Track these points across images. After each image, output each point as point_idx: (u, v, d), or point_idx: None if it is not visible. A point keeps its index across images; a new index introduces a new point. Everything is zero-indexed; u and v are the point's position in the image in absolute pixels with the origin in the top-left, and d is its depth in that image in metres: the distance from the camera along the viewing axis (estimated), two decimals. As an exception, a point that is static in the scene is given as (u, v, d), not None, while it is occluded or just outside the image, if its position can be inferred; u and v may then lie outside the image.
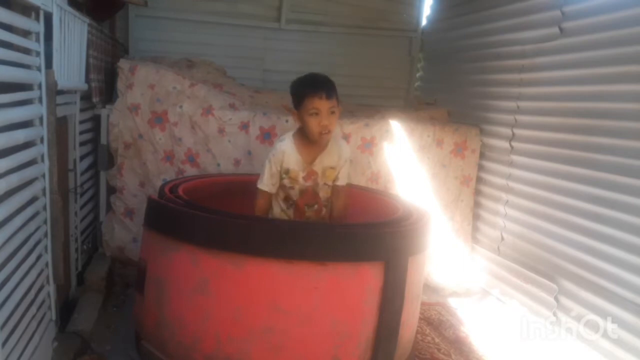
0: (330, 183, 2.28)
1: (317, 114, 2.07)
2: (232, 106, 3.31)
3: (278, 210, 2.30)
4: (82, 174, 2.84)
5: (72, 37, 2.36)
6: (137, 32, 4.39)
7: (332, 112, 2.10)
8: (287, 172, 2.22)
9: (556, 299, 2.88)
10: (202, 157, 3.24)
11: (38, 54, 1.88)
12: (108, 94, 3.34)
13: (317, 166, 2.23)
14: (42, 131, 1.93)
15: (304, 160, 2.21)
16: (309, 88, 2.09)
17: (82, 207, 2.91)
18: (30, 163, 1.83)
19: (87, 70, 2.72)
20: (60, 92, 2.20)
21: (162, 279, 2.00)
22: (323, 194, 2.29)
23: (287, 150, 2.20)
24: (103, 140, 3.22)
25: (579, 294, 2.75)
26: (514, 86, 3.35)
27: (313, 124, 2.09)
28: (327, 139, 2.16)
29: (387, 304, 1.92)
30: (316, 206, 2.28)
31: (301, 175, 2.22)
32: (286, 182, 2.24)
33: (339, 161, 2.27)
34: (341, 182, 2.31)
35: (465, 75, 4.00)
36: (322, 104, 2.06)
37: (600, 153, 2.66)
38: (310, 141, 2.18)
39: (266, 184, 2.23)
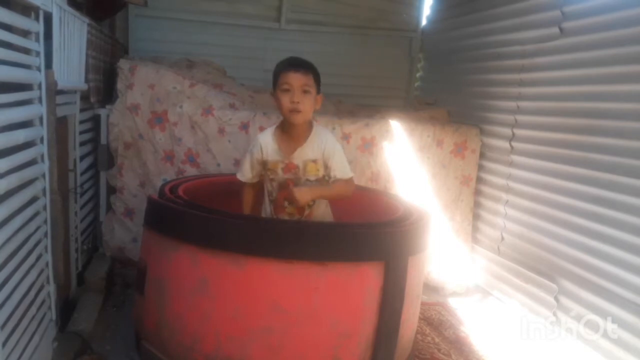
0: (312, 179, 2.17)
1: (288, 89, 2.03)
2: (232, 106, 3.31)
3: (267, 203, 2.26)
4: (82, 174, 2.84)
5: (72, 37, 2.35)
6: (137, 32, 4.40)
7: (306, 91, 2.02)
8: (266, 163, 2.18)
9: (556, 299, 2.89)
10: (202, 157, 3.24)
11: (38, 54, 1.88)
12: (108, 94, 3.34)
13: (297, 159, 2.14)
14: (42, 131, 1.92)
15: (283, 152, 2.16)
16: (283, 64, 2.08)
17: (82, 207, 2.91)
18: (30, 163, 1.83)
19: (86, 70, 2.72)
20: (60, 92, 2.20)
21: (162, 279, 2.00)
22: None
23: (265, 140, 2.17)
24: (103, 140, 3.22)
25: (579, 294, 2.75)
26: (514, 86, 3.35)
27: (284, 100, 2.03)
28: (298, 119, 2.06)
29: (387, 304, 1.92)
30: None
31: (280, 166, 2.17)
32: (267, 173, 2.20)
33: (321, 153, 2.13)
34: (338, 175, 2.13)
35: (465, 75, 4.00)
36: (293, 78, 2.01)
37: (600, 153, 2.66)
38: (289, 133, 2.14)
39: (242, 172, 2.24)
